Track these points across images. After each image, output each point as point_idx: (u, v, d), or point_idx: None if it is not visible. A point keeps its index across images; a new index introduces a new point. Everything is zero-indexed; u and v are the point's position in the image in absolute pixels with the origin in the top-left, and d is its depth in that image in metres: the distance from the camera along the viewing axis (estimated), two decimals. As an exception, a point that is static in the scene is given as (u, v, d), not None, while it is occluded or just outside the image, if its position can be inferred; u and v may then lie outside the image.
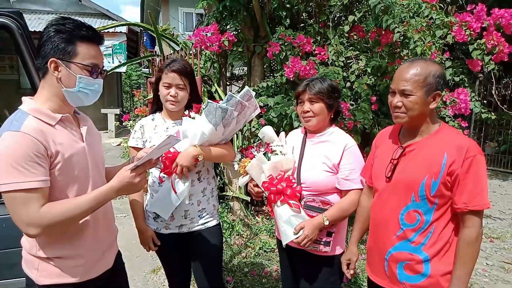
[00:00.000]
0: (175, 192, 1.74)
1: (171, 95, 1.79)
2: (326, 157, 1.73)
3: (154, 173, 1.88)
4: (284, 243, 1.73)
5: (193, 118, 1.79)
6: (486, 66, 3.11)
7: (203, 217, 1.91)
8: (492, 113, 3.60)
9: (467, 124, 3.44)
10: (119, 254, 1.59)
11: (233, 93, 1.74)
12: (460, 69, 3.71)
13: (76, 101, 1.30)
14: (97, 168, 1.41)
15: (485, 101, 6.92)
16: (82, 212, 1.22)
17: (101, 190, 1.25)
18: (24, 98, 1.28)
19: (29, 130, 1.16)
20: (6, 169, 1.12)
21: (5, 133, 1.14)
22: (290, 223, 1.68)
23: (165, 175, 1.77)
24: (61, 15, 1.31)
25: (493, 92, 5.13)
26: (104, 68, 1.34)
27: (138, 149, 1.78)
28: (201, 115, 1.76)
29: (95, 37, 1.28)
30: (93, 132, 1.45)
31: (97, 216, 1.37)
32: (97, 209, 1.27)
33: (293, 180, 1.74)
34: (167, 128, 1.87)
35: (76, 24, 1.25)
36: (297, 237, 1.65)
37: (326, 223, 1.65)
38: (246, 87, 1.80)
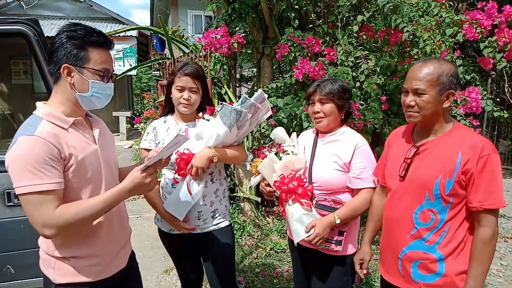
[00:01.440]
0: (190, 193, 1.76)
1: (184, 98, 1.82)
2: (337, 156, 1.73)
3: (167, 174, 1.90)
4: (295, 242, 1.74)
5: (208, 120, 1.82)
6: (498, 64, 3.07)
7: (216, 217, 1.93)
8: (504, 111, 3.55)
9: (479, 123, 3.39)
10: (132, 254, 1.62)
11: (246, 95, 1.76)
12: (472, 68, 3.67)
13: (89, 105, 1.33)
14: (110, 169, 1.44)
15: (498, 99, 6.81)
16: (96, 212, 1.25)
17: (113, 191, 1.28)
18: (38, 103, 1.32)
19: (43, 134, 1.19)
20: (22, 172, 1.15)
21: (21, 137, 1.18)
22: (301, 222, 1.69)
23: (179, 177, 1.80)
24: (72, 21, 1.34)
25: (506, 90, 5.04)
26: (114, 72, 1.37)
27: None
28: (215, 117, 1.78)
29: (105, 43, 1.31)
30: (106, 134, 1.48)
31: (111, 216, 1.40)
32: (110, 210, 1.30)
33: (305, 180, 1.75)
34: (180, 129, 1.89)
35: (87, 30, 1.28)
36: (309, 236, 1.66)
37: (338, 221, 1.66)
38: (260, 90, 1.82)
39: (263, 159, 1.79)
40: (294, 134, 1.93)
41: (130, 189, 1.28)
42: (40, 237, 1.38)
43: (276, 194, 1.80)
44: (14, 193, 1.96)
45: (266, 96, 1.82)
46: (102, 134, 1.43)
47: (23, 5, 10.60)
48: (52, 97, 1.32)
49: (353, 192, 1.75)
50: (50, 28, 10.13)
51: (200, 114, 1.89)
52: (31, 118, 1.26)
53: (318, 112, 1.76)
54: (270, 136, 2.02)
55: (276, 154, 1.79)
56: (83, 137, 1.33)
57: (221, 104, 1.76)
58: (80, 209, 1.22)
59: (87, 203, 1.25)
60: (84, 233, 1.34)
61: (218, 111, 1.77)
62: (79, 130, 1.33)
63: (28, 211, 1.19)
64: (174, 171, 1.81)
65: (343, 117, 1.82)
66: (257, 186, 1.92)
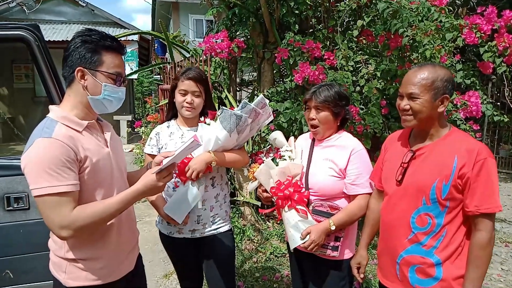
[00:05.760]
0: (190, 197, 1.77)
1: (187, 102, 1.84)
2: (333, 162, 1.73)
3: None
4: (291, 248, 1.74)
5: (209, 124, 1.84)
6: (498, 69, 3.08)
7: (216, 222, 1.93)
8: (505, 115, 3.55)
9: (479, 127, 3.39)
10: (140, 256, 1.64)
11: (247, 101, 1.77)
12: (472, 72, 3.67)
13: (101, 108, 1.35)
14: (121, 172, 1.47)
15: (498, 103, 6.80)
16: (111, 213, 1.27)
17: (127, 192, 1.30)
18: (51, 107, 1.34)
19: (60, 136, 1.21)
20: (39, 174, 1.17)
21: (38, 140, 1.20)
22: (297, 228, 1.69)
23: (180, 180, 1.80)
24: (87, 27, 1.37)
25: (506, 94, 5.04)
26: (125, 76, 1.40)
27: (153, 156, 1.82)
28: (216, 121, 1.79)
29: (118, 47, 1.34)
30: (115, 138, 1.51)
31: (121, 218, 1.41)
32: (123, 211, 1.32)
33: (301, 185, 1.75)
34: (182, 134, 1.91)
35: (101, 35, 1.31)
36: (304, 242, 1.66)
37: (333, 227, 1.66)
38: (261, 95, 1.83)
39: (260, 164, 1.79)
40: (292, 138, 1.92)
41: (144, 191, 1.31)
42: (50, 240, 1.39)
43: (273, 199, 1.80)
44: (14, 197, 1.97)
45: (268, 101, 1.83)
46: (112, 138, 1.46)
47: (25, 9, 10.67)
48: (65, 100, 1.35)
49: (350, 197, 1.75)
50: (52, 33, 10.18)
51: (202, 119, 1.90)
52: (46, 121, 1.28)
53: (313, 119, 1.76)
54: (268, 139, 2.02)
55: (273, 159, 1.79)
56: (96, 140, 1.36)
57: (222, 108, 1.77)
58: (96, 210, 1.24)
59: (103, 205, 1.27)
60: (96, 235, 1.35)
61: (218, 116, 1.78)
62: (92, 133, 1.36)
63: (45, 213, 1.20)
64: (175, 175, 1.81)
65: (339, 123, 1.81)
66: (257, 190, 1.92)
